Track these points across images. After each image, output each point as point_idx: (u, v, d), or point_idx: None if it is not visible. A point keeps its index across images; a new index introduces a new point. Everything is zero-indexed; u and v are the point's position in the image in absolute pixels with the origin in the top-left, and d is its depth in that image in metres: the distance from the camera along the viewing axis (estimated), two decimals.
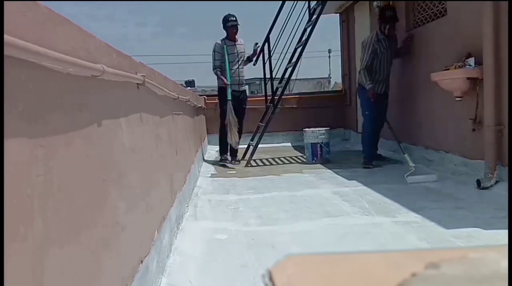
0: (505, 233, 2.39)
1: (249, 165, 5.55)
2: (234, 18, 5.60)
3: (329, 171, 4.83)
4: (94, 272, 1.16)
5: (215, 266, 2.15)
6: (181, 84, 5.16)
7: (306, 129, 5.75)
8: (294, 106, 8.06)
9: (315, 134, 5.58)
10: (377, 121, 5.12)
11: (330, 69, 27.98)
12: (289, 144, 7.76)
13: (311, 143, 5.56)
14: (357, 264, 0.40)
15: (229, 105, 5.60)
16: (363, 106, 5.22)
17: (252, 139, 6.23)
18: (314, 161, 5.54)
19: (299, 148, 7.26)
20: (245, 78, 5.98)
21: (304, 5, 6.50)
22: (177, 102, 3.42)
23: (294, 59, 6.16)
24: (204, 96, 8.14)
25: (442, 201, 3.21)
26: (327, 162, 5.49)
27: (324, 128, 5.67)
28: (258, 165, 5.62)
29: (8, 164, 0.75)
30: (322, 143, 5.56)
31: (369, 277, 0.38)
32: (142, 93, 1.99)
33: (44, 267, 0.87)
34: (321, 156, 5.57)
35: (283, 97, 6.31)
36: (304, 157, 5.93)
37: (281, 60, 6.56)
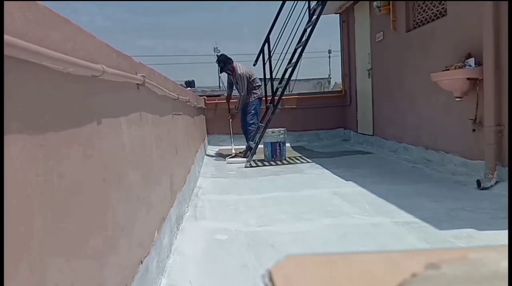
0: (505, 233, 2.39)
1: (249, 165, 5.55)
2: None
3: (329, 171, 4.83)
4: (93, 272, 1.16)
5: (215, 266, 2.15)
6: (181, 85, 5.16)
7: (268, 130, 6.14)
8: (294, 106, 8.07)
9: (274, 134, 6.00)
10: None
11: (330, 69, 27.98)
12: (288, 144, 7.76)
13: (271, 142, 5.99)
14: (357, 264, 0.40)
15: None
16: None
17: (252, 140, 6.24)
18: (273, 159, 5.96)
19: (298, 148, 7.26)
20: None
21: (304, 5, 6.50)
22: (177, 102, 3.42)
23: (294, 60, 6.16)
24: (204, 97, 8.16)
25: (442, 201, 3.21)
26: (283, 159, 6.00)
27: (283, 129, 6.10)
28: (258, 165, 5.62)
29: (8, 164, 0.75)
30: (280, 142, 6.00)
31: (369, 277, 0.38)
32: (142, 94, 1.99)
33: (44, 267, 0.87)
34: (280, 153, 6.01)
35: (283, 97, 6.35)
36: (304, 158, 5.97)
37: (281, 61, 6.56)
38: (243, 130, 6.77)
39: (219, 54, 6.95)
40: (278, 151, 6.00)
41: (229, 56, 6.60)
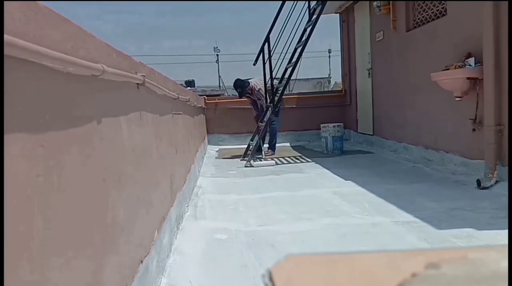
0: (505, 233, 2.39)
1: (248, 165, 5.55)
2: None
3: (329, 171, 4.83)
4: (94, 272, 1.16)
5: (215, 266, 2.15)
6: (181, 84, 5.16)
7: (328, 124, 6.42)
8: (294, 106, 8.07)
9: (335, 129, 6.35)
10: None
11: (330, 69, 28.02)
12: (288, 144, 7.77)
13: (333, 136, 6.35)
14: (357, 264, 0.40)
15: None
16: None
17: (252, 140, 6.23)
18: (333, 152, 6.29)
19: (298, 148, 7.26)
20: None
21: (304, 5, 6.50)
22: (177, 102, 3.42)
23: (294, 59, 6.16)
24: (204, 96, 8.16)
25: (442, 201, 3.21)
26: (344, 153, 6.32)
27: (341, 124, 6.47)
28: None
29: (8, 164, 0.75)
30: (338, 136, 6.35)
31: (369, 277, 0.38)
32: (142, 93, 1.99)
33: (43, 268, 0.87)
34: (339, 147, 6.33)
35: (283, 97, 6.34)
36: (304, 157, 5.96)
37: (281, 60, 6.56)
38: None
39: (235, 79, 6.78)
40: (338, 144, 6.32)
41: (243, 79, 6.60)
